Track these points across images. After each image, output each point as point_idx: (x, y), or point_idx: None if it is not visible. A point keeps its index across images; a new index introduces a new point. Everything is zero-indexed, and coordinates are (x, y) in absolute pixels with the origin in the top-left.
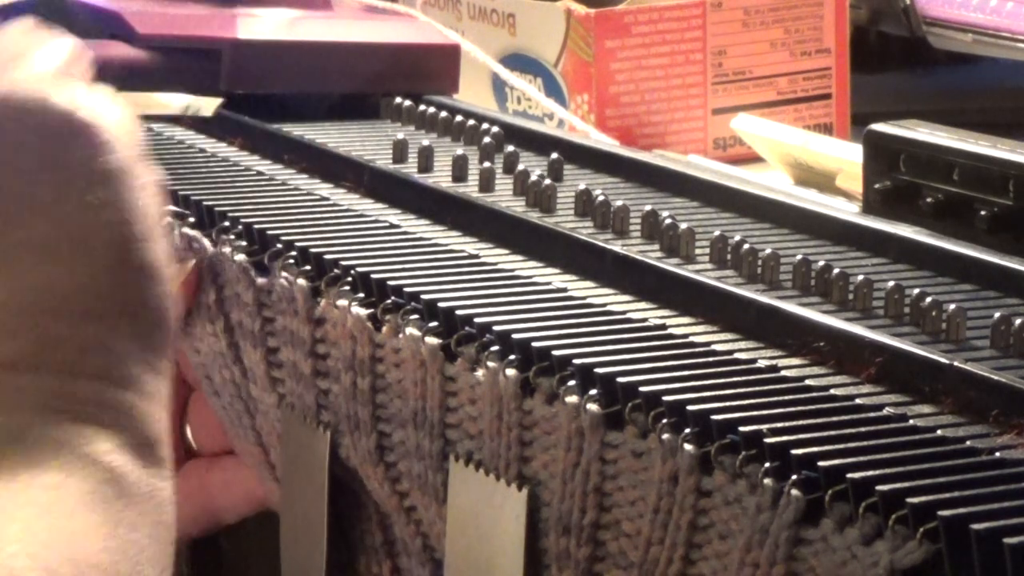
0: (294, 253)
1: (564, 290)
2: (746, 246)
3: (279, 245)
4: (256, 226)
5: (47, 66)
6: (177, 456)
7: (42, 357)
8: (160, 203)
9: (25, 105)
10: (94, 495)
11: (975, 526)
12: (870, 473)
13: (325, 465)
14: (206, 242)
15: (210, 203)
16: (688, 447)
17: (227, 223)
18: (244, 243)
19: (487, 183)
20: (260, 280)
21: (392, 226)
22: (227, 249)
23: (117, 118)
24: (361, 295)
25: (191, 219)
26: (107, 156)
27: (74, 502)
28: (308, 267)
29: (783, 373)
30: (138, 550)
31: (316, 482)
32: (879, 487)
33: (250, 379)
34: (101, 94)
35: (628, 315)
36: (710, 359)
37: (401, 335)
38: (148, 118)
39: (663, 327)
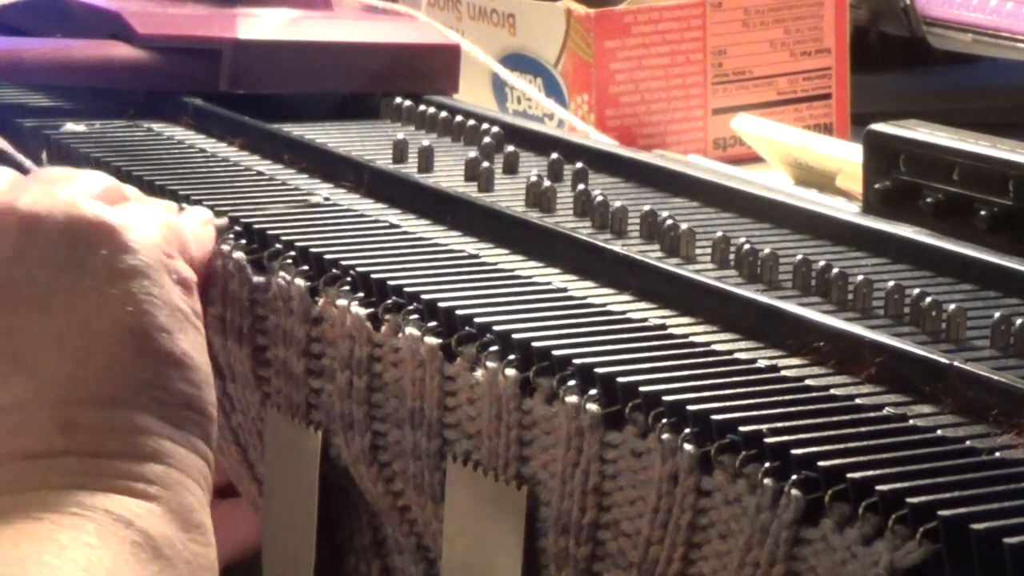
0: (293, 252)
1: (564, 290)
2: (746, 246)
3: (278, 244)
4: (256, 226)
5: (86, 187)
6: None
7: (67, 443)
8: (195, 302)
9: (57, 211)
10: (130, 556)
11: (975, 526)
12: (870, 473)
13: (316, 464)
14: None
15: (210, 203)
16: (688, 447)
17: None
18: (244, 242)
19: (487, 183)
20: (256, 278)
21: (392, 226)
22: (225, 247)
23: (145, 227)
24: (360, 295)
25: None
26: (127, 255)
27: (111, 562)
28: (307, 266)
29: (783, 373)
30: None
31: (305, 482)
32: (879, 487)
33: (228, 377)
34: (135, 208)
35: (628, 315)
36: (710, 359)
37: (400, 335)
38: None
39: (663, 327)
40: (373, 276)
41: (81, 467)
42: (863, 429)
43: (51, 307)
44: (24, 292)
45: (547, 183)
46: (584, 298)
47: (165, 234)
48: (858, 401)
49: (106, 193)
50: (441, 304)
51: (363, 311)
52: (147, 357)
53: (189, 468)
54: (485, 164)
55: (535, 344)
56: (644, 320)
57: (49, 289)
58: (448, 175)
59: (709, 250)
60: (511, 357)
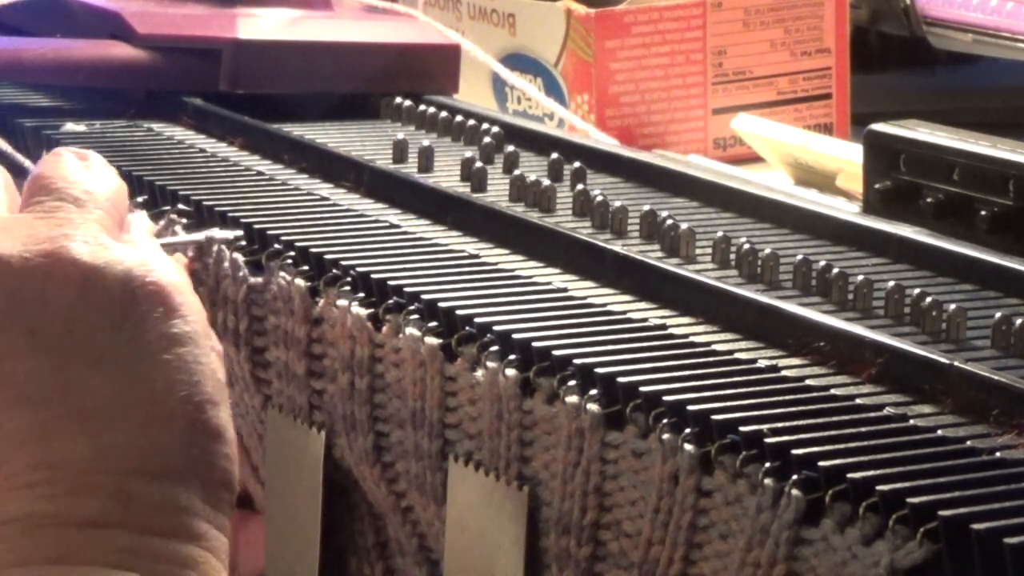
0: (293, 253)
1: (564, 290)
2: (746, 246)
3: (278, 245)
4: (256, 226)
5: (100, 214)
6: None
7: (119, 515)
8: (223, 369)
9: (116, 266)
10: None
11: (975, 526)
12: (870, 473)
13: (320, 466)
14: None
15: (210, 203)
16: (688, 447)
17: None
18: (243, 242)
19: (486, 183)
20: (253, 279)
21: (392, 226)
22: (221, 248)
23: (186, 283)
24: (361, 295)
25: (191, 219)
26: (180, 320)
27: None
28: (306, 267)
29: (783, 373)
30: None
31: (308, 483)
32: (879, 487)
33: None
34: (165, 258)
35: (628, 315)
36: (710, 359)
37: (401, 335)
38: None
39: (663, 327)
40: (373, 276)
41: (130, 544)
42: (864, 429)
43: (110, 367)
44: (82, 348)
45: (546, 183)
46: (584, 298)
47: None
48: (858, 401)
49: (114, 210)
50: (441, 304)
51: (364, 311)
52: (198, 431)
53: (220, 551)
54: (479, 164)
55: (536, 344)
56: (644, 320)
57: (107, 347)
58: (448, 175)
59: (709, 250)
60: (512, 357)
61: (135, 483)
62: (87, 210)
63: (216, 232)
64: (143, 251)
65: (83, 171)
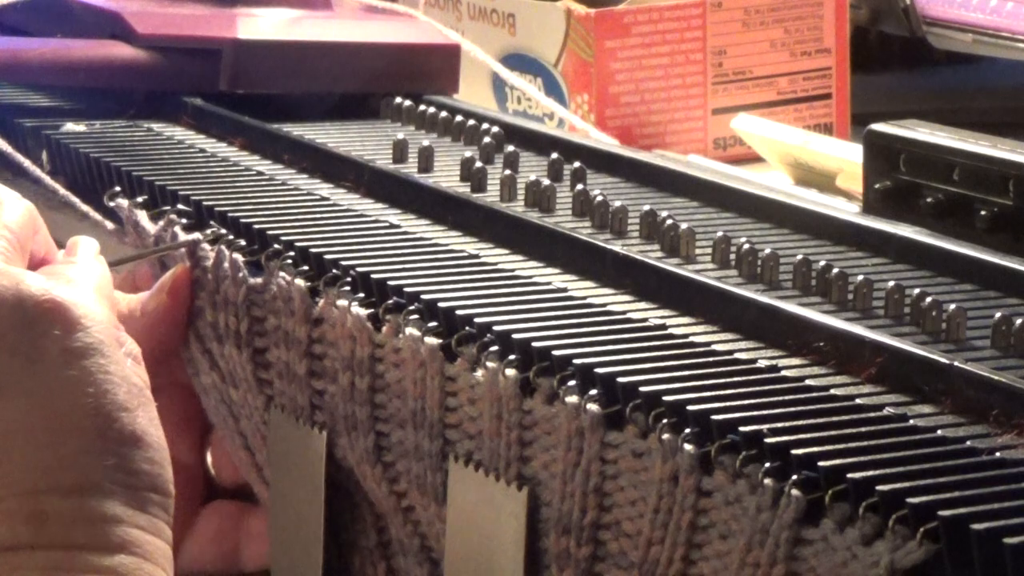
0: (293, 253)
1: (564, 290)
2: (746, 246)
3: (278, 245)
4: (256, 226)
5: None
6: (200, 489)
7: (35, 536)
8: (144, 371)
9: (5, 292)
10: None
11: (975, 526)
12: (870, 473)
13: (322, 466)
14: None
15: (210, 203)
16: (688, 447)
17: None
18: (243, 243)
19: (485, 183)
20: (252, 280)
21: (392, 226)
22: (221, 248)
23: (89, 296)
24: (361, 295)
25: (191, 219)
26: (81, 333)
27: None
28: (306, 267)
29: (783, 373)
30: None
31: (311, 483)
32: (879, 487)
33: (228, 383)
34: (83, 272)
35: (628, 315)
36: (710, 359)
37: (401, 335)
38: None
39: (663, 327)
40: (373, 276)
41: (50, 562)
42: (863, 429)
43: (9, 393)
44: None
45: (546, 182)
46: (584, 298)
47: (106, 299)
48: (858, 401)
49: (14, 237)
50: (441, 304)
51: (364, 312)
52: (111, 440)
53: (156, 555)
54: (479, 164)
55: (535, 344)
56: (644, 320)
57: (5, 375)
58: (448, 175)
59: (709, 250)
60: (511, 357)
61: (49, 502)
62: None
63: (186, 236)
64: (53, 270)
65: None
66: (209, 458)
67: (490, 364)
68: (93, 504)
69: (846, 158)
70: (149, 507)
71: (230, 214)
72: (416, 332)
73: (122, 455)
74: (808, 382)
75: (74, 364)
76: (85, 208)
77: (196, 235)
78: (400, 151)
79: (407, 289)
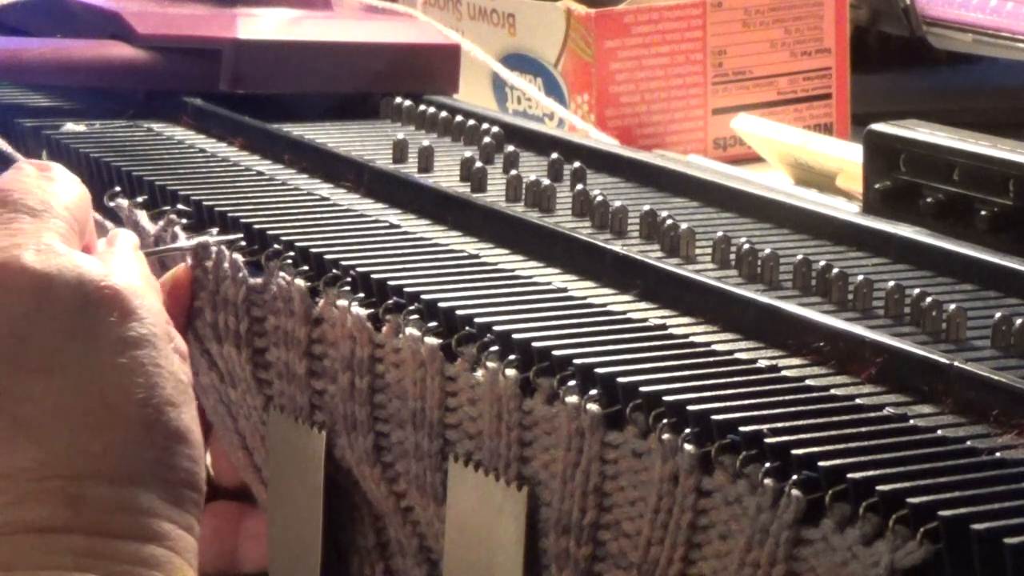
0: (293, 253)
1: (564, 290)
2: (746, 246)
3: (278, 245)
4: (256, 226)
5: (58, 221)
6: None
7: (73, 520)
8: (187, 370)
9: (67, 273)
10: None
11: (975, 526)
12: (870, 473)
13: (321, 466)
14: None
15: (211, 203)
16: (688, 447)
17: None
18: (242, 243)
19: (485, 183)
20: (252, 280)
21: (392, 226)
22: (224, 248)
23: (144, 288)
24: (361, 295)
25: (191, 219)
26: (136, 323)
27: None
28: (307, 267)
29: (783, 373)
30: None
31: (310, 483)
32: (879, 487)
33: (227, 383)
34: (129, 263)
35: (628, 315)
36: (710, 359)
37: (401, 335)
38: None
39: (663, 327)
40: (373, 276)
41: (86, 547)
42: (863, 429)
43: (62, 374)
44: (34, 356)
45: (546, 182)
46: (584, 298)
47: (156, 292)
48: (858, 401)
49: (73, 219)
50: (441, 304)
51: (364, 312)
52: (156, 433)
53: (186, 551)
54: (479, 164)
55: (535, 344)
56: (644, 320)
57: (60, 355)
58: (448, 175)
59: (709, 250)
60: (511, 357)
61: (89, 487)
62: (42, 220)
63: (210, 237)
64: (104, 257)
65: (41, 182)
66: (208, 458)
67: (490, 364)
68: (132, 494)
69: (846, 158)
70: (184, 503)
71: (230, 214)
72: (416, 332)
73: (165, 449)
74: (808, 382)
75: (127, 353)
76: None
77: (226, 236)
78: (400, 151)
79: (407, 289)
